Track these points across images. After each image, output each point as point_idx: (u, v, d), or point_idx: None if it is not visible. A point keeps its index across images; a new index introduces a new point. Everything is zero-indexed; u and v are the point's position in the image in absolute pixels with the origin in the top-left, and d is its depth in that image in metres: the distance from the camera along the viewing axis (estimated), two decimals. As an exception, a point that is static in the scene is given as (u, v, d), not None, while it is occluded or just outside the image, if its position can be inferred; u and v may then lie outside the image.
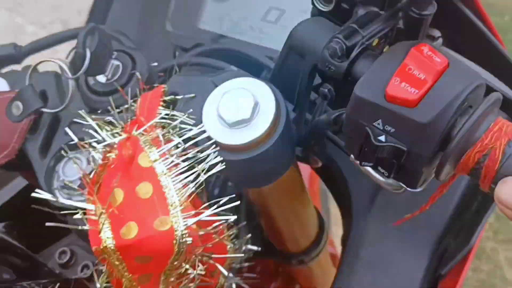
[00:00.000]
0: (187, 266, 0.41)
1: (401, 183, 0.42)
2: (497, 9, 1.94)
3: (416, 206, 0.46)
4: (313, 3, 0.46)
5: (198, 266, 0.42)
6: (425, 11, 0.41)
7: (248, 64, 0.65)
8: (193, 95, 0.47)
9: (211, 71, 0.61)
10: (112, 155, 0.44)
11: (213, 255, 0.44)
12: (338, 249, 0.81)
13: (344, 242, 0.63)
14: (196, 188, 0.40)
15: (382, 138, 0.38)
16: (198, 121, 0.46)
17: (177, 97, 0.47)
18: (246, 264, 0.56)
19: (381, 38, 0.42)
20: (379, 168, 0.41)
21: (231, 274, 0.50)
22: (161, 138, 0.41)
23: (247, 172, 0.47)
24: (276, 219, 0.64)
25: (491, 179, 0.37)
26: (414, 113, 0.36)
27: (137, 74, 0.50)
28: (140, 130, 0.42)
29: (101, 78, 0.52)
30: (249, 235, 0.62)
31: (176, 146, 0.42)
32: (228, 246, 0.48)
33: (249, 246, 0.54)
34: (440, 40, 0.48)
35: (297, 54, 0.45)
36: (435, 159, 0.39)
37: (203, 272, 0.42)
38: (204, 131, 0.45)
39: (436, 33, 0.47)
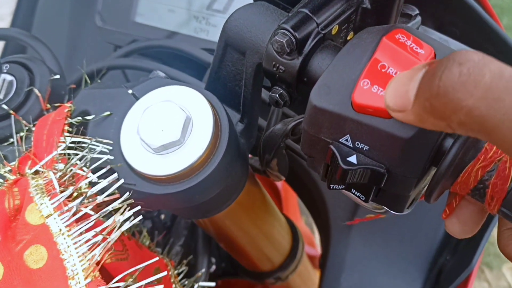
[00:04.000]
0: None
1: (383, 207, 0.33)
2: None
3: (405, 221, 0.36)
4: (252, -18, 0.35)
5: None
6: (397, -17, 0.31)
7: (189, 63, 0.54)
8: (108, 112, 0.36)
9: (144, 74, 0.50)
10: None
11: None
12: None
13: (322, 265, 0.53)
14: (108, 250, 0.29)
15: (353, 159, 0.28)
16: (116, 147, 0.35)
17: (87, 117, 0.36)
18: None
19: (342, 24, 0.32)
20: (353, 191, 0.31)
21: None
22: (55, 183, 0.30)
23: (185, 205, 0.37)
24: (239, 243, 0.53)
25: (500, 201, 0.28)
26: (393, 125, 0.26)
27: (35, 90, 0.38)
28: (33, 170, 0.32)
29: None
30: (203, 270, 0.52)
31: (79, 193, 0.31)
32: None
33: (202, 284, 0.43)
34: (419, 19, 0.37)
35: (236, 51, 0.35)
36: (426, 176, 0.29)
37: None
38: (124, 160, 0.34)
39: (413, 10, 0.37)
